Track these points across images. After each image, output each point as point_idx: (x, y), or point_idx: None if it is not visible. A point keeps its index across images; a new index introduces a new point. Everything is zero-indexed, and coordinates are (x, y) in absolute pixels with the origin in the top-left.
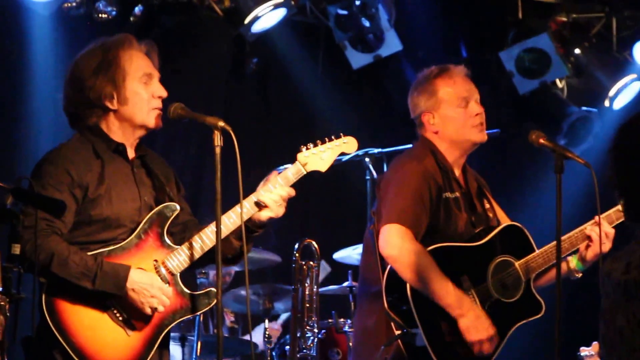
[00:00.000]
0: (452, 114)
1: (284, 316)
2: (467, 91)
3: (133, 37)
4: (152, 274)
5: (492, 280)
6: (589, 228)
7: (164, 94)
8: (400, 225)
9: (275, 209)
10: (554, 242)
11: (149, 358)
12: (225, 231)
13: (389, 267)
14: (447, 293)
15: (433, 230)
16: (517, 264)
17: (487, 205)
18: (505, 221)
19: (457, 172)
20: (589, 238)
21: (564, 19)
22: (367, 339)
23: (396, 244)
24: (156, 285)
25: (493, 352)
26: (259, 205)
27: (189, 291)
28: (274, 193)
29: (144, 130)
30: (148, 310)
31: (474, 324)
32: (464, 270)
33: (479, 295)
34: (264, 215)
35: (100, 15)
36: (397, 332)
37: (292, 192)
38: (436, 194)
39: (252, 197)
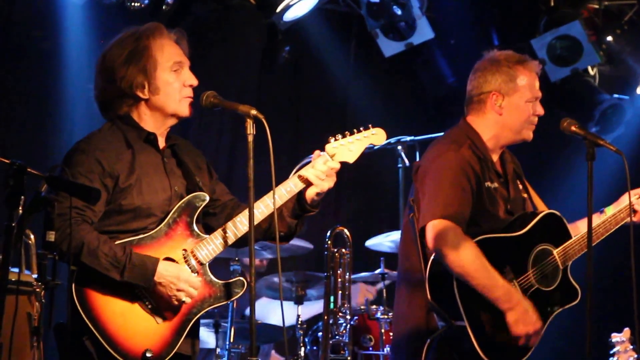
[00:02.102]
0: (522, 106)
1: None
2: (538, 90)
3: (163, 25)
4: (180, 266)
5: (533, 270)
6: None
7: (195, 82)
8: (447, 220)
9: (319, 184)
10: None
11: (177, 346)
12: (260, 217)
13: (431, 258)
14: (497, 287)
15: (478, 218)
16: (555, 252)
17: (521, 187)
18: (538, 202)
19: (495, 158)
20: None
21: (596, 6)
22: (406, 326)
23: (445, 240)
24: (183, 277)
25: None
26: (304, 180)
27: (218, 280)
28: (315, 168)
29: (175, 119)
30: (175, 303)
31: (523, 317)
32: (507, 261)
33: (521, 286)
34: (311, 191)
35: (132, 4)
36: (440, 323)
37: (335, 165)
38: (476, 181)
39: (296, 174)
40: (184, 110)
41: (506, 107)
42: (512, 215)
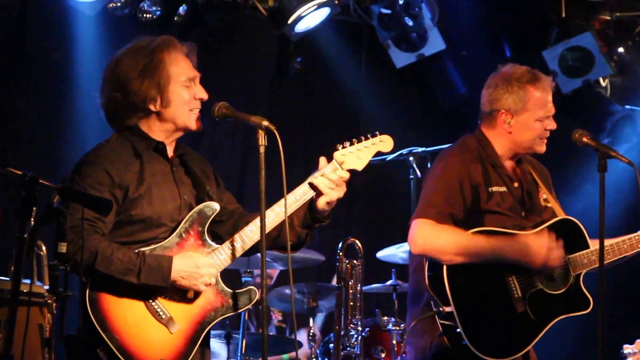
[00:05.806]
0: (532, 125)
1: (319, 319)
2: (551, 108)
3: (176, 39)
4: (192, 254)
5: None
6: None
7: (205, 96)
8: (424, 218)
9: (329, 193)
10: (610, 241)
11: (191, 355)
12: (269, 225)
13: None
14: (486, 246)
15: (483, 219)
16: (567, 257)
17: (543, 197)
18: (560, 214)
19: (509, 165)
20: None
21: (608, 17)
22: (411, 306)
23: (419, 235)
24: (201, 262)
25: (533, 337)
26: (313, 188)
27: (229, 290)
28: (324, 177)
29: (184, 132)
30: (203, 288)
31: (532, 250)
32: None
33: (520, 283)
34: (322, 201)
35: (144, 15)
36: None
37: (344, 175)
38: (470, 185)
39: (307, 181)
40: (194, 124)
41: (515, 126)
42: (526, 219)
